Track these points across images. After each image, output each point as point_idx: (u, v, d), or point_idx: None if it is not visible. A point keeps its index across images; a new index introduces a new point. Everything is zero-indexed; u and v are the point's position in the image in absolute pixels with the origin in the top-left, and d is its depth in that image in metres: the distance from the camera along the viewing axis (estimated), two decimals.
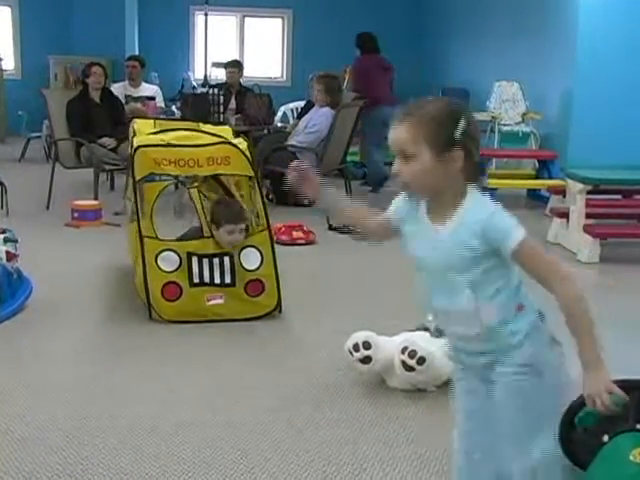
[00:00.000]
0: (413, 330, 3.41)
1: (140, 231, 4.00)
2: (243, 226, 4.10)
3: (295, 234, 5.79)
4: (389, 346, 3.22)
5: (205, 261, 3.97)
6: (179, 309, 3.95)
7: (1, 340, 3.71)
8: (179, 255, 3.96)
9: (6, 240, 4.16)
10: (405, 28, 12.96)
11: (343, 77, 11.20)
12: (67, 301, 4.30)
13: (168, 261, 3.95)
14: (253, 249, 4.06)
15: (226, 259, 4.00)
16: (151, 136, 4.22)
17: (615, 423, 1.78)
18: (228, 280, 3.99)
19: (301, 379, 3.35)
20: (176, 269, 3.94)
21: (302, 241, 5.77)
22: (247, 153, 4.07)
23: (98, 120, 7.02)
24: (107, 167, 6.97)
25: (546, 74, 8.35)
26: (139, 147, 4.01)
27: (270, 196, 7.35)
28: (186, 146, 4.04)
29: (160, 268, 3.94)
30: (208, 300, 3.97)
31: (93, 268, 4.90)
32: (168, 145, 4.05)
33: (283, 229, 5.76)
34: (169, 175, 4.30)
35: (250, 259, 4.04)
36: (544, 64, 8.41)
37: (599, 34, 7.48)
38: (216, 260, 3.98)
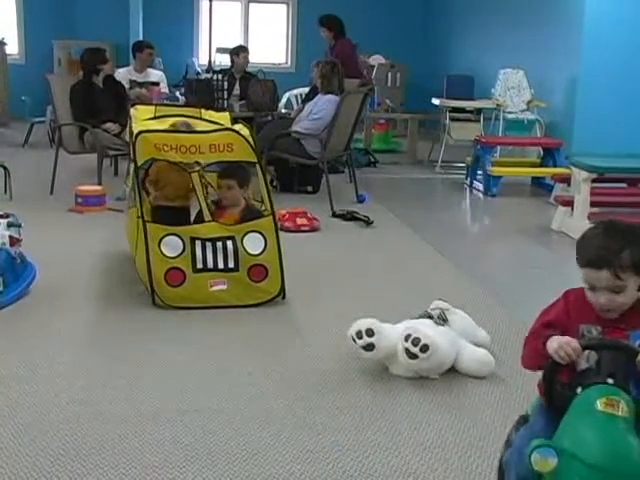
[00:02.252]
0: (417, 317, 3.41)
1: (143, 216, 3.98)
2: (233, 182, 4.21)
3: (299, 221, 5.77)
4: (392, 333, 3.22)
5: (208, 245, 3.95)
6: (182, 295, 3.94)
7: (4, 325, 3.71)
8: (182, 240, 3.94)
9: (10, 225, 4.15)
10: (411, 13, 12.91)
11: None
12: (70, 286, 4.30)
13: (171, 246, 3.93)
14: (257, 234, 4.04)
15: (229, 243, 3.98)
16: (149, 122, 4.20)
17: (589, 378, 1.96)
18: (231, 265, 3.97)
19: (303, 366, 3.35)
20: (179, 254, 3.93)
21: (306, 228, 5.76)
22: (250, 139, 4.05)
23: (102, 105, 6.99)
24: (111, 152, 6.95)
25: (551, 61, 8.32)
26: (140, 132, 3.98)
27: (274, 182, 7.34)
28: (188, 132, 4.02)
29: (163, 253, 3.92)
30: (211, 286, 3.95)
31: (96, 253, 4.90)
32: (170, 131, 4.03)
33: (287, 216, 5.74)
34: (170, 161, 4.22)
35: (254, 244, 4.02)
36: (549, 51, 8.38)
37: (605, 21, 7.46)
38: (219, 244, 3.96)
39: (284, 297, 4.10)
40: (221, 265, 3.97)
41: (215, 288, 3.96)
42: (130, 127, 4.26)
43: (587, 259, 2.01)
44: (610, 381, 1.93)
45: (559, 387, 2.02)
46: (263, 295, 4.04)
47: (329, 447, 2.66)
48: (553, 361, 1.99)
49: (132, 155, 4.06)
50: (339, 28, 8.91)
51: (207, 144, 3.96)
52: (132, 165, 4.22)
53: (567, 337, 1.98)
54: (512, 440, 2.15)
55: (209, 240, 3.96)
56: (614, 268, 1.97)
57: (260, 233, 4.05)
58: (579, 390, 1.95)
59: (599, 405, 1.88)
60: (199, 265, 3.94)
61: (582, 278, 2.05)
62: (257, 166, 4.15)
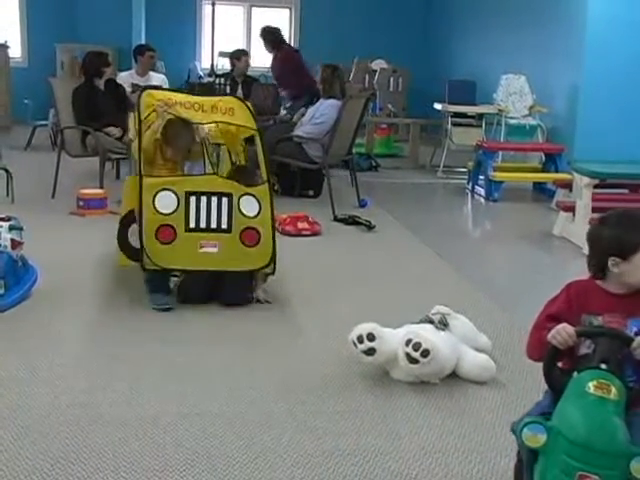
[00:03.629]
0: (417, 322, 3.41)
1: (141, 172, 3.93)
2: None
3: (300, 225, 5.77)
4: (393, 338, 3.22)
5: (203, 200, 3.89)
6: (171, 253, 3.88)
7: (5, 327, 3.71)
8: (177, 195, 3.88)
9: (11, 228, 4.15)
10: (413, 18, 12.92)
11: (350, 69, 11.22)
12: (71, 289, 4.31)
13: (165, 202, 3.87)
14: (252, 197, 3.99)
15: (224, 200, 3.92)
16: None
17: (584, 363, 2.07)
18: (224, 225, 3.92)
19: (304, 369, 3.35)
20: (173, 211, 3.87)
21: (307, 232, 5.75)
22: (250, 106, 4.10)
23: (104, 108, 7.00)
24: (113, 156, 6.96)
25: (553, 67, 8.33)
26: (145, 89, 4.03)
27: (275, 187, 7.34)
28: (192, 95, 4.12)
29: (157, 209, 3.87)
30: (201, 247, 3.89)
31: (98, 256, 4.90)
32: (174, 90, 4.10)
33: (288, 220, 5.74)
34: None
35: (249, 206, 3.97)
36: (551, 57, 8.38)
37: (607, 27, 7.45)
38: (214, 199, 3.90)
39: (274, 272, 4.05)
40: (214, 224, 3.91)
41: (205, 250, 3.90)
42: (138, 112, 4.09)
43: None
44: (603, 366, 2.01)
45: (558, 372, 2.12)
46: (253, 262, 3.99)
47: (330, 451, 2.66)
48: (553, 346, 2.09)
49: (137, 112, 4.04)
50: (274, 39, 8.72)
51: (209, 105, 4.02)
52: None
53: (564, 323, 2.09)
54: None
55: (204, 194, 3.90)
56: None
57: (255, 197, 3.99)
58: (575, 374, 2.05)
59: (591, 388, 1.97)
60: (192, 224, 3.88)
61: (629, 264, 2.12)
62: (256, 134, 4.13)
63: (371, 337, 3.18)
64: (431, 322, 3.38)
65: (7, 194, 6.43)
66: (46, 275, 4.27)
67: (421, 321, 3.41)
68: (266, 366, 3.37)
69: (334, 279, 4.71)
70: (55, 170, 6.73)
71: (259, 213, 3.99)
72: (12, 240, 4.11)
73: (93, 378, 3.18)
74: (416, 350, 3.09)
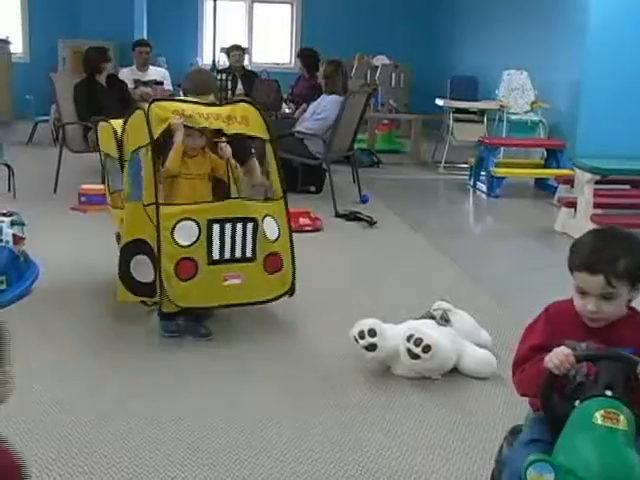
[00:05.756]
0: (419, 318, 3.41)
1: (157, 199, 3.45)
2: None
3: (302, 221, 5.76)
4: (395, 334, 3.22)
5: (228, 227, 3.49)
6: (192, 290, 3.47)
7: (7, 324, 3.70)
8: (199, 225, 3.44)
9: (13, 223, 4.16)
10: (415, 14, 12.90)
11: (352, 64, 11.21)
12: (73, 286, 4.31)
13: (186, 233, 3.43)
14: (271, 219, 3.68)
15: (249, 226, 3.54)
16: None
17: (586, 390, 1.92)
18: (249, 253, 3.54)
19: (306, 365, 3.35)
20: (193, 242, 3.43)
21: (309, 228, 5.75)
22: (263, 114, 3.83)
23: (105, 103, 6.99)
24: None
25: (555, 63, 8.31)
26: (154, 101, 3.62)
27: None
28: (204, 104, 3.74)
29: (176, 242, 3.42)
30: (225, 280, 3.50)
31: (100, 252, 4.89)
32: (186, 101, 3.78)
33: (290, 215, 5.72)
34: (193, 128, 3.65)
35: (270, 229, 3.65)
36: (553, 53, 8.37)
37: (609, 23, 7.45)
38: (239, 226, 3.52)
39: (292, 294, 3.76)
40: (238, 253, 3.52)
41: (229, 282, 3.51)
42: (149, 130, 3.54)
43: (583, 262, 1.95)
44: (608, 393, 1.87)
45: (557, 399, 1.96)
46: (276, 289, 3.68)
47: (331, 447, 2.66)
48: (550, 371, 1.93)
49: (146, 129, 3.50)
50: (312, 63, 8.56)
51: (225, 114, 3.67)
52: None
53: (562, 346, 1.94)
54: (505, 456, 2.10)
55: (229, 221, 3.50)
56: (609, 274, 1.92)
57: (273, 217, 3.69)
58: (577, 403, 1.89)
59: (598, 418, 1.82)
60: (215, 256, 3.47)
61: (573, 283, 2.00)
62: (268, 144, 3.84)
63: (372, 333, 3.18)
64: (432, 318, 3.39)
65: (9, 189, 6.43)
66: (47, 271, 4.27)
67: (422, 317, 3.42)
68: (267, 361, 3.37)
69: (335, 275, 4.71)
70: (57, 166, 6.74)
71: (279, 236, 3.69)
72: (14, 235, 4.12)
73: (94, 375, 3.19)
74: (417, 346, 3.10)
